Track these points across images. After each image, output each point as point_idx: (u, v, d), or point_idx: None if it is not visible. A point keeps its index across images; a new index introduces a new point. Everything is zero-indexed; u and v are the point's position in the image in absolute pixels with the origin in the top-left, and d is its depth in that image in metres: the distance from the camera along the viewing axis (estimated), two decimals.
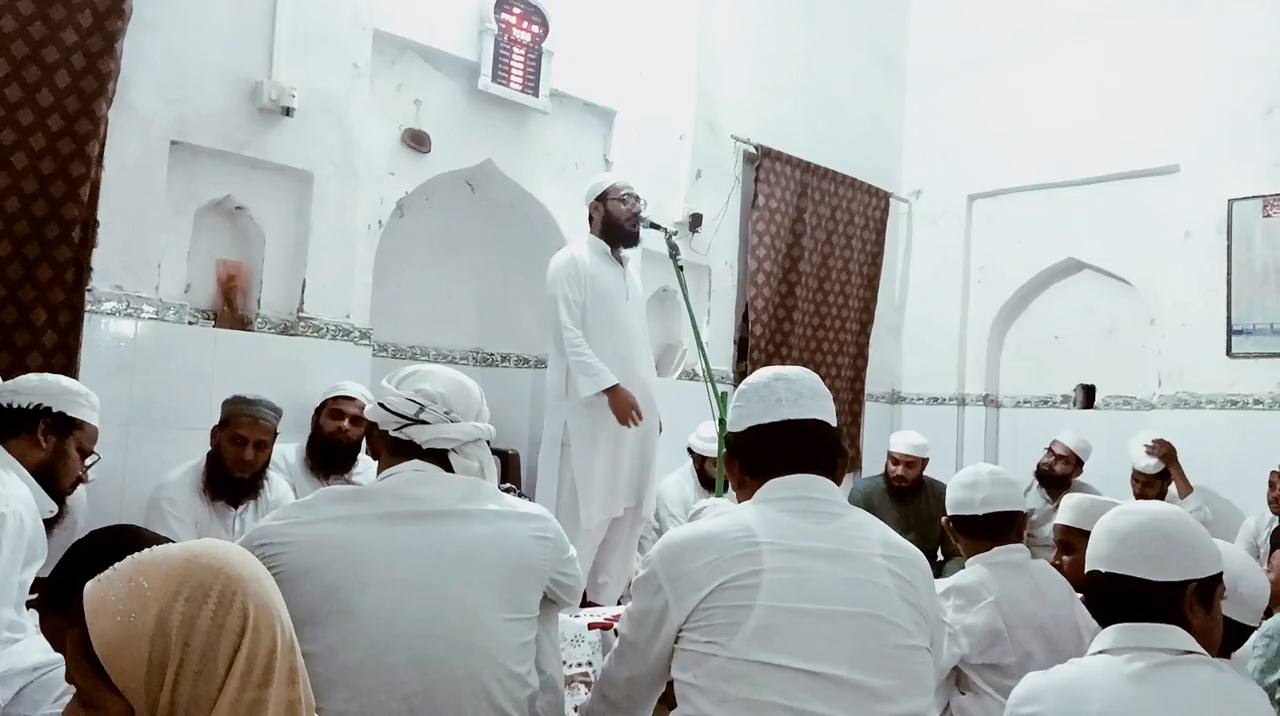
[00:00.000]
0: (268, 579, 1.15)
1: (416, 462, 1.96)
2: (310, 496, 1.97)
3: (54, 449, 2.68)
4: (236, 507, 3.44)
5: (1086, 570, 1.85)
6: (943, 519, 2.96)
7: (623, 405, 3.94)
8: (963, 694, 2.69)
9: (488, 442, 2.08)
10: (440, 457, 1.98)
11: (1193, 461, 5.59)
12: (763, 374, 1.95)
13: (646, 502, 4.26)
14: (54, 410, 2.68)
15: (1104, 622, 1.81)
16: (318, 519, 1.85)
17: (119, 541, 1.66)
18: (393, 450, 1.99)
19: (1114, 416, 6.48)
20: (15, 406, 2.64)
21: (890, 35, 7.39)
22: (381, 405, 1.99)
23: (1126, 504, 1.96)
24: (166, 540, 1.72)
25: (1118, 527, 1.82)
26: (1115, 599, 1.78)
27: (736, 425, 1.93)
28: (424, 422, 1.96)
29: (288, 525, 1.84)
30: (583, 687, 2.64)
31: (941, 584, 2.66)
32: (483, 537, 1.89)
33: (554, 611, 2.12)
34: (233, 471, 3.39)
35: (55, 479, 2.68)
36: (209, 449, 3.45)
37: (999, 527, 2.81)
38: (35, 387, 2.69)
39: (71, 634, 1.11)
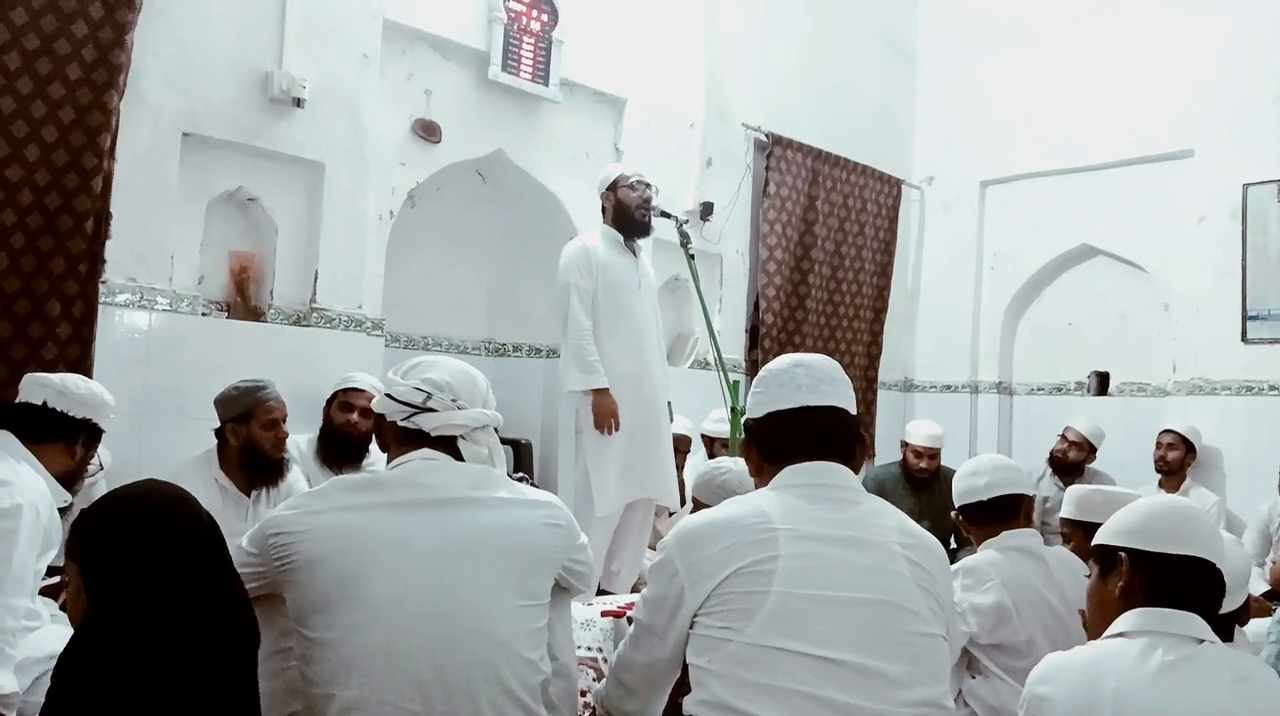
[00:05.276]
0: None
1: (427, 451, 1.96)
2: (322, 485, 1.98)
3: (81, 459, 2.73)
4: (250, 495, 3.46)
5: (1163, 550, 1.79)
6: (952, 514, 2.96)
7: (604, 410, 3.94)
8: (973, 677, 2.69)
9: (496, 431, 2.09)
10: (450, 446, 1.98)
11: (1207, 448, 5.59)
12: (783, 361, 1.95)
13: (668, 494, 4.25)
14: (92, 422, 2.72)
15: (1152, 602, 1.76)
16: (329, 507, 1.85)
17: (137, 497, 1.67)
18: (401, 439, 1.99)
19: (1128, 403, 6.46)
20: (64, 413, 2.67)
21: (900, 21, 7.35)
22: (389, 396, 2.00)
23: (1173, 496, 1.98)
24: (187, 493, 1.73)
25: (1194, 513, 1.86)
26: (1178, 582, 1.76)
27: (755, 411, 1.93)
28: (431, 410, 1.96)
29: (300, 514, 1.85)
30: (590, 671, 2.65)
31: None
32: (494, 525, 1.89)
33: (566, 599, 2.13)
34: (273, 453, 3.46)
35: (72, 482, 2.72)
36: (221, 441, 3.47)
37: (1005, 511, 2.81)
38: (85, 400, 2.72)
39: None
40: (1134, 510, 1.87)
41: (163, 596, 1.56)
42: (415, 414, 1.96)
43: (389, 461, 2.02)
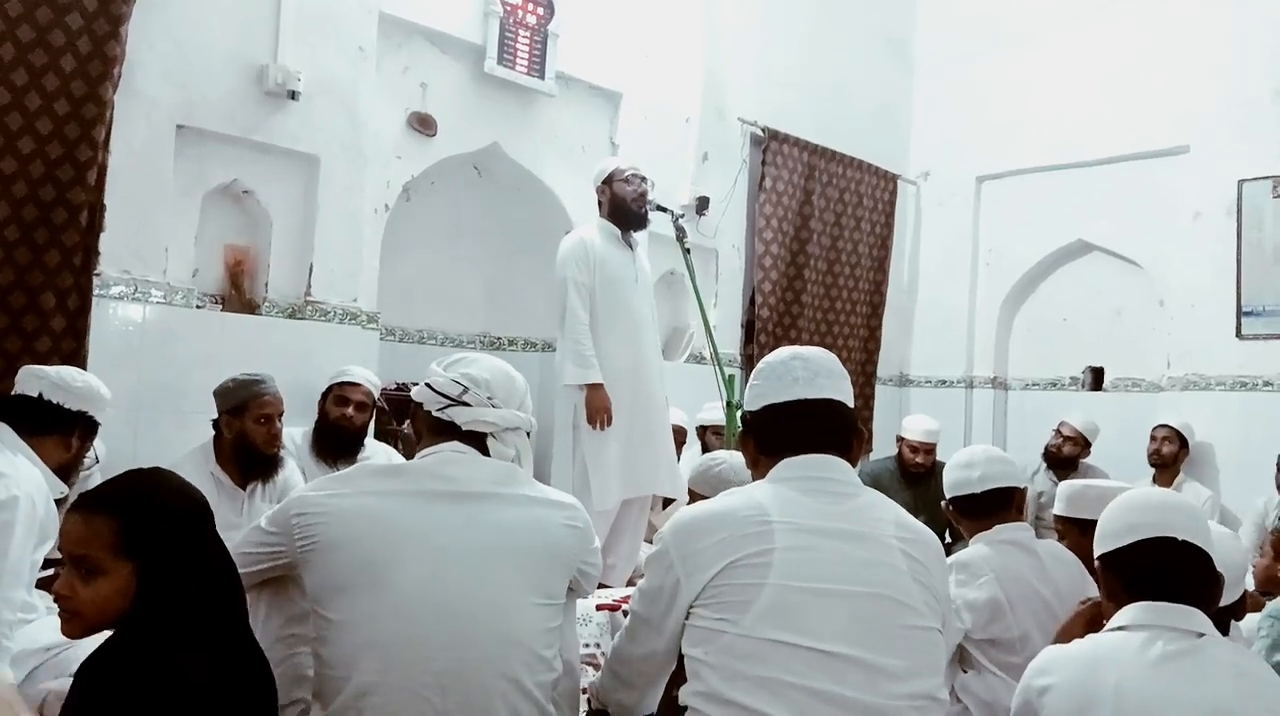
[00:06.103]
0: None
1: (456, 444, 1.99)
2: (349, 470, 2.02)
3: (77, 451, 2.74)
4: (245, 488, 3.45)
5: (1120, 544, 1.83)
6: (942, 504, 2.95)
7: (598, 405, 3.93)
8: (965, 672, 2.68)
9: (529, 435, 2.11)
10: (480, 442, 2.01)
11: (1201, 443, 5.60)
12: (780, 353, 1.95)
13: (671, 485, 4.25)
14: (88, 415, 2.72)
15: (1136, 596, 1.78)
16: (355, 491, 1.88)
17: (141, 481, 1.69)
18: (434, 430, 2.02)
19: (1123, 398, 6.48)
20: (60, 405, 2.67)
21: (897, 17, 7.35)
22: (428, 385, 2.02)
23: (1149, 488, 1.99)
24: (191, 486, 1.74)
25: (1170, 500, 1.86)
26: (1148, 569, 1.77)
27: (752, 404, 1.93)
28: (466, 404, 1.99)
29: (326, 496, 1.87)
30: (590, 669, 2.65)
31: None
32: (516, 522, 1.91)
33: (573, 599, 2.14)
34: (265, 449, 3.43)
35: (68, 474, 2.73)
36: (217, 434, 3.46)
37: (998, 504, 2.81)
38: (81, 393, 2.73)
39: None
40: (1099, 521, 1.91)
41: (215, 588, 1.62)
42: (449, 406, 1.99)
43: (419, 450, 2.04)
